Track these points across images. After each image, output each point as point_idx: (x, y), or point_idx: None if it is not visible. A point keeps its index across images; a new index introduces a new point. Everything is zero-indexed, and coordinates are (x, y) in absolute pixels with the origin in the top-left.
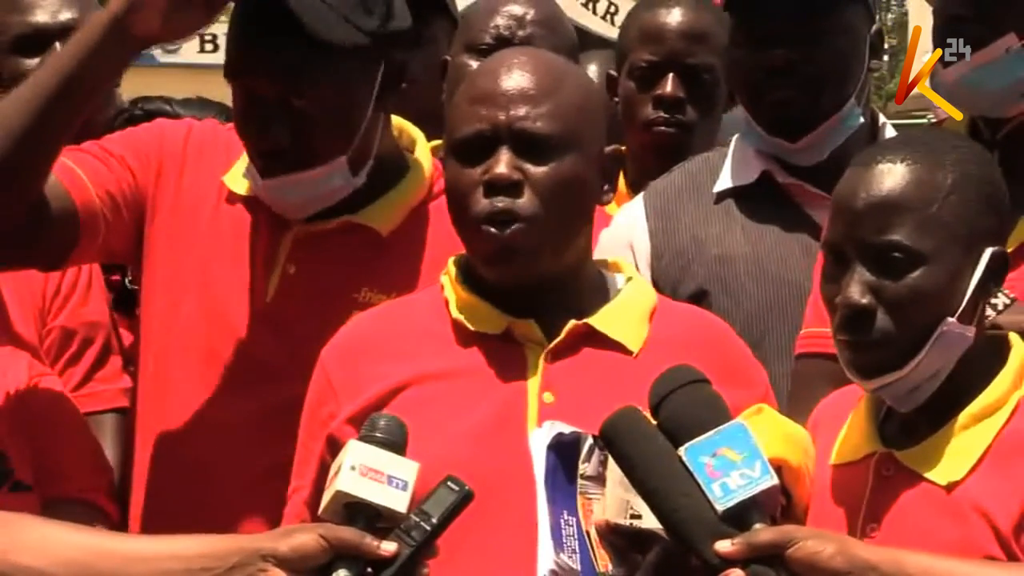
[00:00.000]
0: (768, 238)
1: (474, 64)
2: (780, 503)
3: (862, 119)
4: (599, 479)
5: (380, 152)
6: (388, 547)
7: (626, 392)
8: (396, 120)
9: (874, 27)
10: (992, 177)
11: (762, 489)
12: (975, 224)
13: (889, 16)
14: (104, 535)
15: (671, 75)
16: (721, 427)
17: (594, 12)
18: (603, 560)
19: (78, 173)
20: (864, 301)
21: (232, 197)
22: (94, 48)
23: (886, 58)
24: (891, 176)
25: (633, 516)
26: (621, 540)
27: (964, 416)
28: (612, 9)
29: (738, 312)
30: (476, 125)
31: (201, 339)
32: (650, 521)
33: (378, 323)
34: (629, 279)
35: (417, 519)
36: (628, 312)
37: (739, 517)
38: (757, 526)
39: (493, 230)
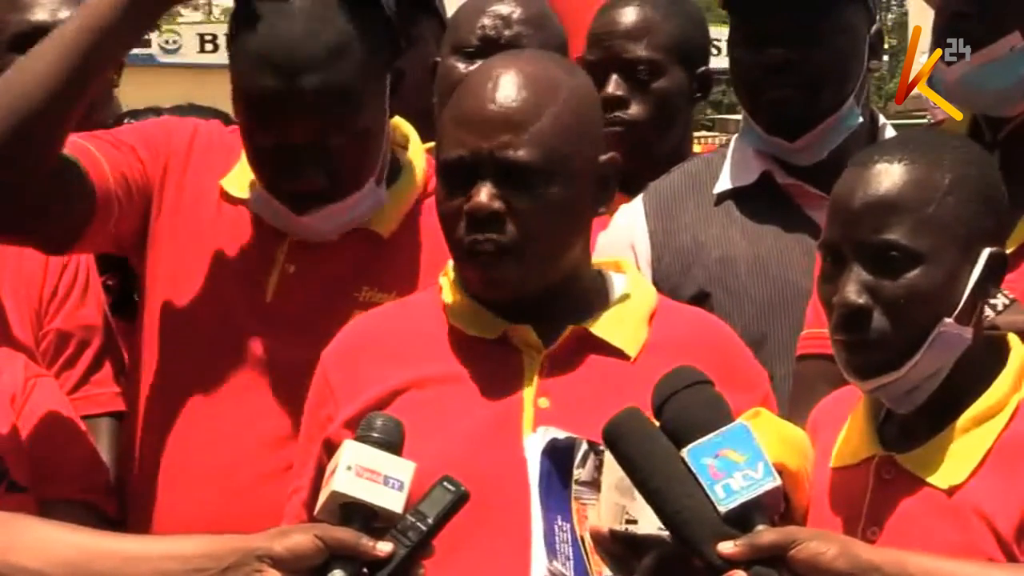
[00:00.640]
0: (768, 239)
1: (461, 66)
2: (782, 505)
3: (861, 119)
4: (594, 484)
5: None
6: (384, 547)
7: (623, 397)
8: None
9: (874, 27)
10: (990, 178)
11: (765, 490)
12: (973, 224)
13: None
14: (101, 535)
15: (613, 76)
16: (723, 428)
17: None
18: (597, 566)
19: (94, 153)
20: (860, 301)
21: (231, 199)
22: (118, 10)
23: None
24: (888, 176)
25: (629, 521)
26: (616, 546)
27: (964, 419)
28: None
29: (739, 314)
30: (458, 151)
31: (201, 339)
32: (646, 526)
33: (377, 325)
34: (629, 279)
35: (413, 519)
36: (627, 316)
37: (742, 518)
38: (760, 527)
39: (476, 261)
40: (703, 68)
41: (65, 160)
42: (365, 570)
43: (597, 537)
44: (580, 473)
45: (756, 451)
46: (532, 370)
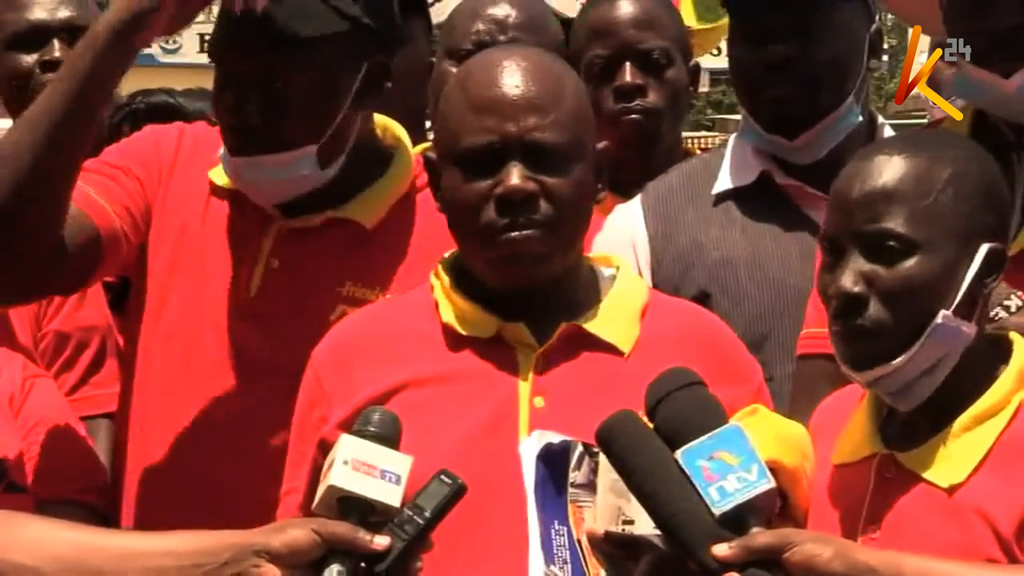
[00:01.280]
0: (768, 240)
1: (455, 71)
2: (777, 505)
3: (860, 118)
4: (590, 487)
5: (362, 148)
6: (381, 541)
7: (617, 394)
8: (380, 118)
9: (873, 27)
10: (992, 175)
11: (759, 492)
12: (972, 219)
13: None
14: (97, 532)
15: (627, 64)
16: (717, 430)
17: None
18: (595, 568)
19: (93, 196)
20: (856, 289)
21: (217, 191)
22: (100, 59)
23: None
24: (888, 167)
25: (625, 522)
26: (613, 547)
27: (965, 418)
28: None
29: (740, 315)
30: (484, 136)
31: (185, 335)
32: (643, 527)
33: (369, 325)
34: (619, 273)
35: (410, 513)
36: (619, 312)
37: (736, 521)
38: (754, 530)
39: (511, 235)
40: (693, 61)
41: (70, 214)
42: (363, 564)
43: (594, 539)
44: (576, 476)
45: (750, 453)
46: (526, 368)
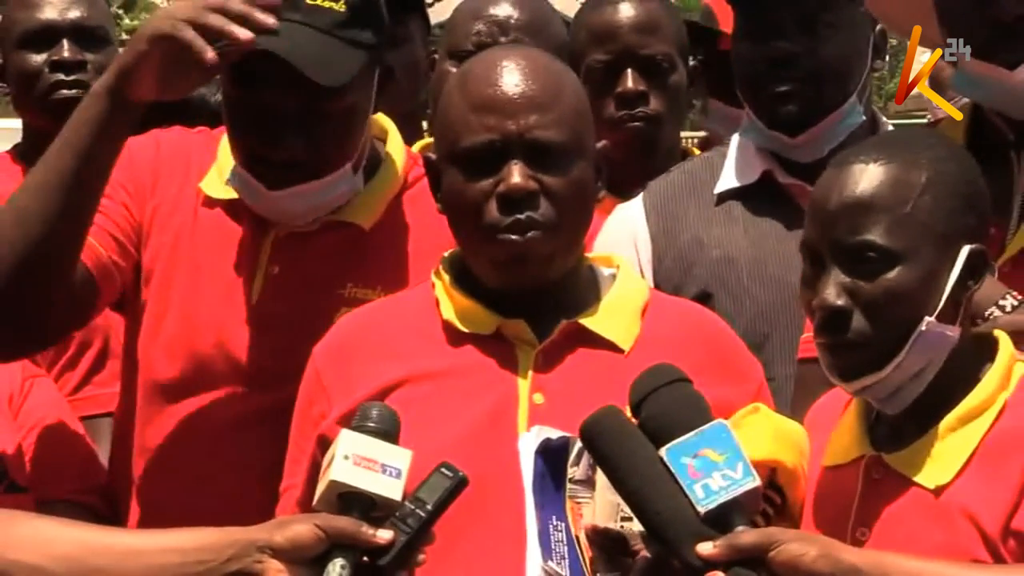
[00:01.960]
0: (770, 239)
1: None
2: (776, 501)
3: (863, 117)
4: (589, 483)
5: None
6: (384, 535)
7: (617, 391)
8: None
9: (878, 26)
10: (969, 176)
11: (744, 491)
12: (951, 222)
13: None
14: (99, 530)
15: (628, 70)
16: (703, 428)
17: None
18: (592, 564)
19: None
20: (839, 303)
21: (209, 202)
22: (100, 120)
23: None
24: (864, 176)
25: (624, 518)
26: (611, 543)
27: (951, 418)
28: None
29: (741, 315)
30: (484, 135)
31: (190, 345)
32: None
33: (369, 322)
34: (620, 271)
35: (412, 506)
36: (619, 309)
37: (721, 519)
38: (739, 528)
39: (512, 237)
40: (693, 62)
41: None
42: (366, 558)
43: (592, 535)
44: (574, 472)
45: (735, 451)
46: (526, 365)
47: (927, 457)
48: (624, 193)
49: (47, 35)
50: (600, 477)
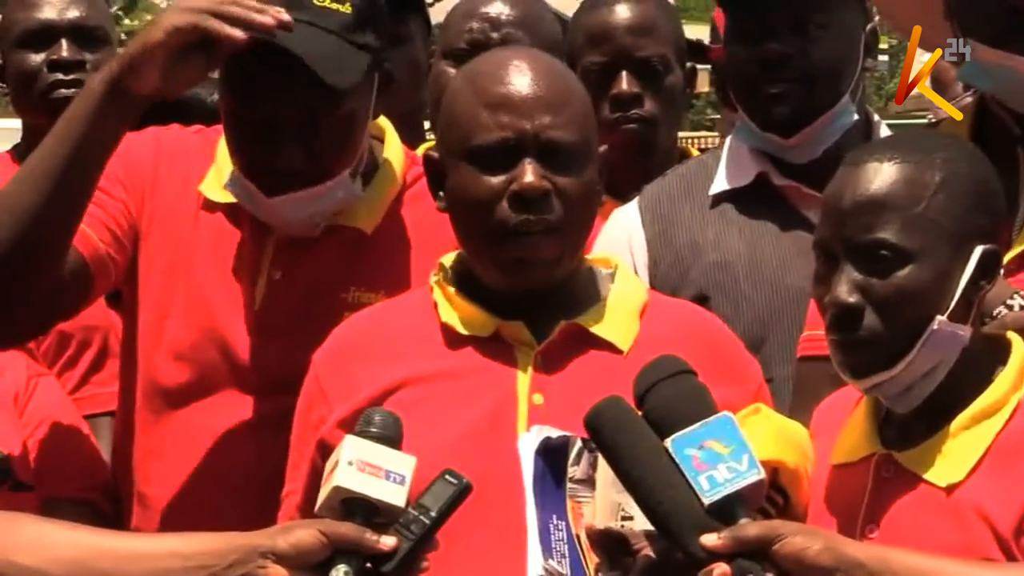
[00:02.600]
0: (765, 241)
1: (452, 71)
2: (778, 502)
3: (856, 117)
4: (589, 482)
5: None
6: (388, 541)
7: (616, 392)
8: None
9: (869, 26)
10: (983, 176)
11: (749, 483)
12: (964, 222)
13: None
14: (102, 534)
15: (623, 72)
16: (708, 419)
17: None
18: (593, 563)
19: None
20: (852, 300)
21: (209, 205)
22: (97, 112)
23: (885, 58)
24: (879, 175)
25: (624, 518)
26: (612, 542)
27: (963, 417)
28: None
29: (738, 317)
30: (499, 133)
31: (193, 350)
32: (642, 523)
33: (368, 326)
34: (619, 274)
35: (416, 513)
36: (618, 310)
37: (725, 511)
38: (743, 520)
39: (522, 239)
40: (690, 64)
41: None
42: (369, 565)
43: (593, 534)
44: (575, 471)
45: (741, 443)
46: (525, 366)
47: (939, 455)
48: (620, 195)
49: (46, 35)
50: (600, 476)
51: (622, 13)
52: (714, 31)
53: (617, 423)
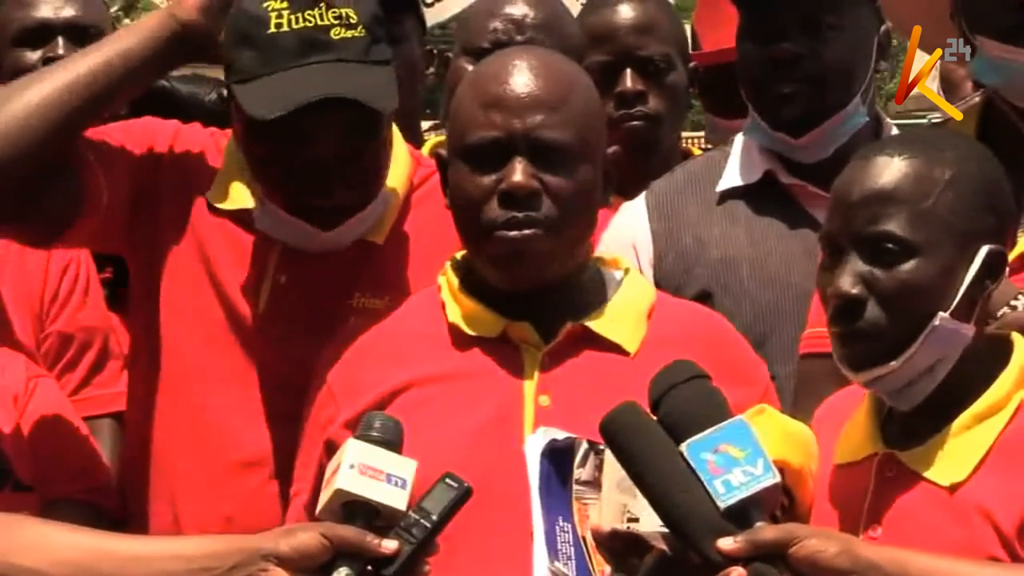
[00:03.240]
0: (771, 239)
1: (471, 68)
2: (782, 503)
3: (867, 118)
4: (595, 484)
5: None
6: (390, 545)
7: (623, 393)
8: None
9: (883, 27)
10: (992, 176)
11: (764, 487)
12: (972, 221)
13: None
14: (104, 536)
15: (627, 71)
16: (723, 424)
17: None
18: (599, 565)
19: (86, 154)
20: (854, 291)
21: (215, 210)
22: (153, 45)
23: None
24: (888, 169)
25: (630, 520)
26: (618, 544)
27: (966, 416)
28: None
29: (741, 314)
30: (490, 132)
31: (199, 352)
32: (648, 524)
33: (376, 326)
34: (627, 275)
35: (417, 516)
36: (625, 312)
37: (740, 515)
38: (759, 524)
39: (510, 233)
40: (692, 63)
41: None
42: (370, 568)
43: (599, 536)
44: (581, 473)
45: (756, 447)
46: (532, 367)
47: (942, 455)
48: (623, 192)
49: (42, 33)
50: (606, 479)
51: (625, 13)
52: (694, 37)
53: (632, 428)
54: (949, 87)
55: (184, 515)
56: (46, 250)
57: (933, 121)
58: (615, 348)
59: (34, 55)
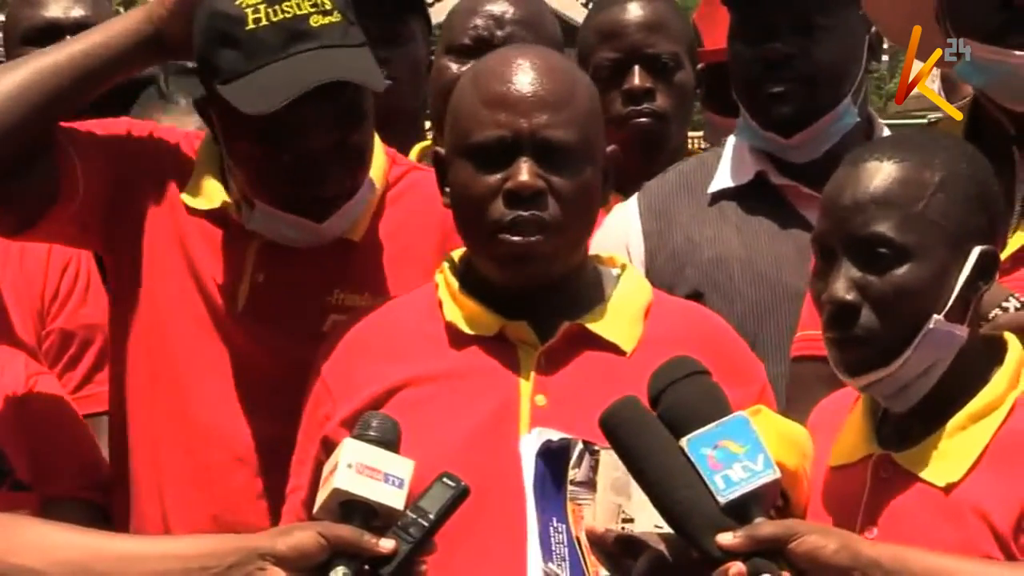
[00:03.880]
0: (762, 240)
1: (454, 67)
2: (778, 504)
3: (858, 119)
4: (589, 485)
5: None
6: (387, 544)
7: (619, 393)
8: None
9: (873, 28)
10: (982, 177)
11: (765, 482)
12: (963, 222)
13: None
14: (102, 535)
15: (636, 68)
16: (723, 419)
17: None
18: (593, 566)
19: (65, 145)
20: (849, 297)
21: (191, 211)
22: (128, 45)
23: (885, 58)
24: (879, 173)
25: (625, 520)
26: (613, 545)
27: (961, 417)
28: None
29: (731, 314)
30: (496, 131)
31: (177, 352)
32: (642, 525)
33: (373, 323)
34: (624, 272)
35: (414, 516)
36: (622, 311)
37: (740, 510)
38: (758, 519)
39: (515, 239)
40: (700, 64)
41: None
42: (367, 567)
43: (593, 537)
44: (575, 473)
45: (756, 442)
46: (528, 366)
47: (937, 455)
48: (630, 190)
49: (50, 33)
50: (601, 479)
51: (634, 11)
52: (696, 36)
53: (633, 423)
54: (949, 87)
55: (169, 512)
56: (19, 240)
57: (930, 120)
58: (612, 348)
59: None
